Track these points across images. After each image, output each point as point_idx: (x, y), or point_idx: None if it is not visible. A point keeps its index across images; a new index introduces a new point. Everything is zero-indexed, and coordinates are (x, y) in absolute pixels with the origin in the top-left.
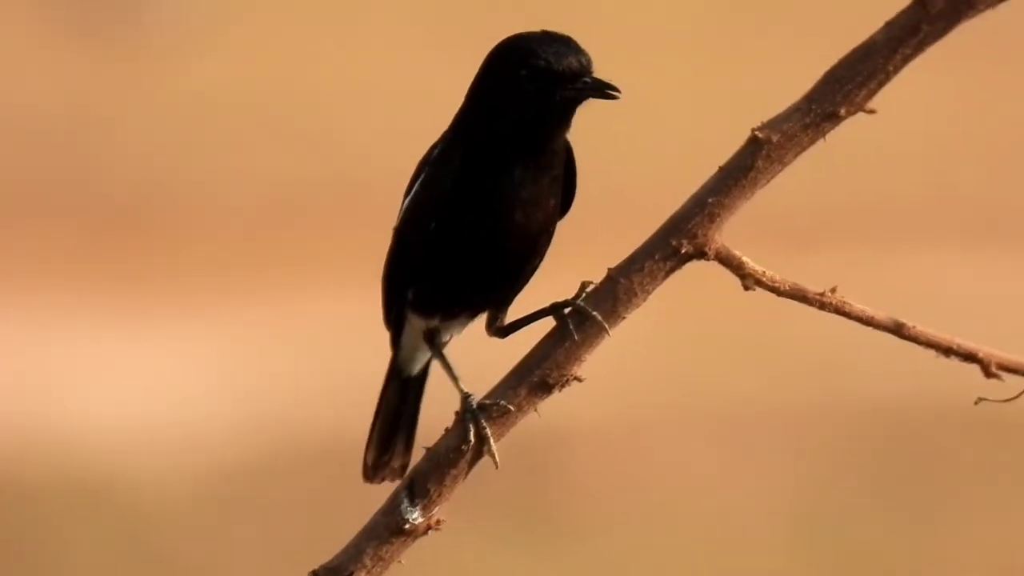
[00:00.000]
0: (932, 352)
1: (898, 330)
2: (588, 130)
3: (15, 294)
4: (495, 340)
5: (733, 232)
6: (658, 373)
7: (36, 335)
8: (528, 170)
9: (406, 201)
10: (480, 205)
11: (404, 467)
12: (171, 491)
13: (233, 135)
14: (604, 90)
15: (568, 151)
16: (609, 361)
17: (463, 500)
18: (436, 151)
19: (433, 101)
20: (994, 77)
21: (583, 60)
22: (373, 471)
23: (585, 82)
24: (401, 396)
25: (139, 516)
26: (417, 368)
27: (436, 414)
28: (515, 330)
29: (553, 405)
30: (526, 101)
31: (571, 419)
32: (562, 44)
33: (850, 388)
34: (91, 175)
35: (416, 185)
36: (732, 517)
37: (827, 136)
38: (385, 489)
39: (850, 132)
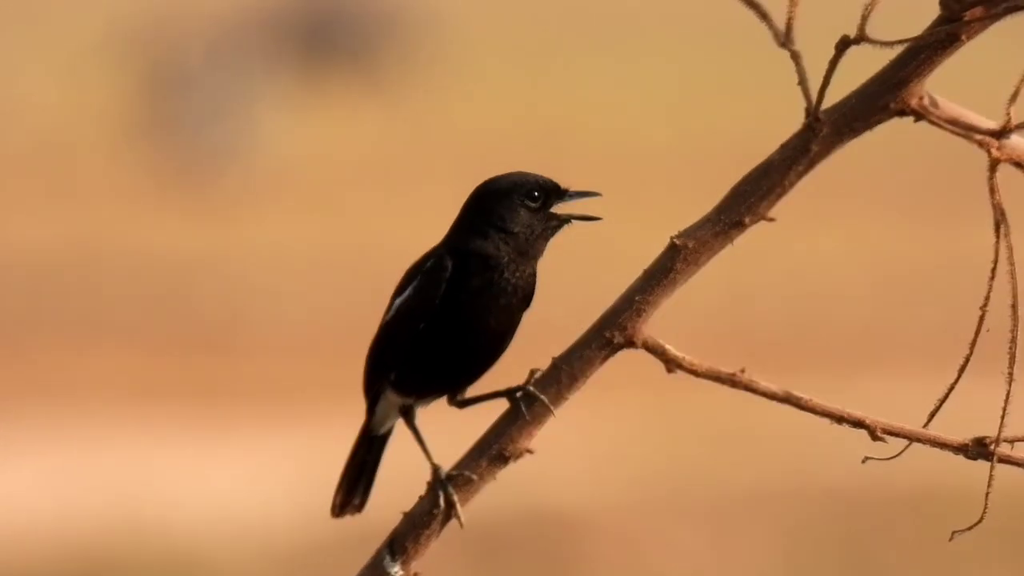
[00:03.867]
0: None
1: (795, 402)
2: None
3: (125, 408)
4: (453, 412)
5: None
6: (652, 463)
7: (140, 441)
8: (507, 284)
9: (397, 301)
10: (463, 312)
11: (362, 504)
12: (245, 568)
13: (300, 276)
14: (588, 196)
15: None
16: (610, 453)
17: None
18: (430, 263)
19: None
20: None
21: (554, 181)
22: (340, 509)
23: (570, 195)
24: (368, 450)
25: None
26: (384, 430)
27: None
28: (473, 404)
29: (563, 492)
30: (529, 219)
31: (579, 505)
32: (534, 175)
33: (817, 475)
34: (184, 308)
35: (409, 289)
36: None
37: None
38: None
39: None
